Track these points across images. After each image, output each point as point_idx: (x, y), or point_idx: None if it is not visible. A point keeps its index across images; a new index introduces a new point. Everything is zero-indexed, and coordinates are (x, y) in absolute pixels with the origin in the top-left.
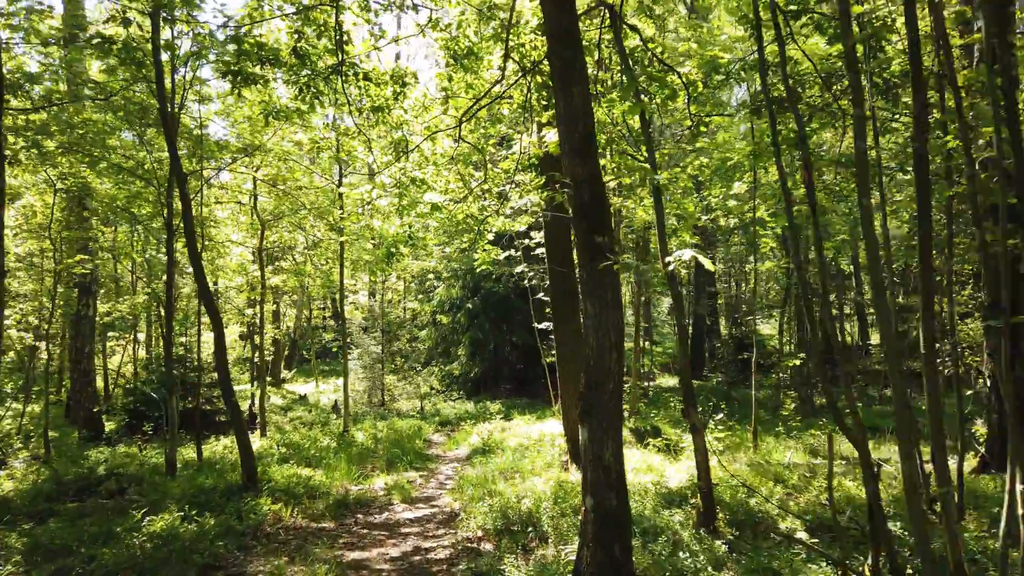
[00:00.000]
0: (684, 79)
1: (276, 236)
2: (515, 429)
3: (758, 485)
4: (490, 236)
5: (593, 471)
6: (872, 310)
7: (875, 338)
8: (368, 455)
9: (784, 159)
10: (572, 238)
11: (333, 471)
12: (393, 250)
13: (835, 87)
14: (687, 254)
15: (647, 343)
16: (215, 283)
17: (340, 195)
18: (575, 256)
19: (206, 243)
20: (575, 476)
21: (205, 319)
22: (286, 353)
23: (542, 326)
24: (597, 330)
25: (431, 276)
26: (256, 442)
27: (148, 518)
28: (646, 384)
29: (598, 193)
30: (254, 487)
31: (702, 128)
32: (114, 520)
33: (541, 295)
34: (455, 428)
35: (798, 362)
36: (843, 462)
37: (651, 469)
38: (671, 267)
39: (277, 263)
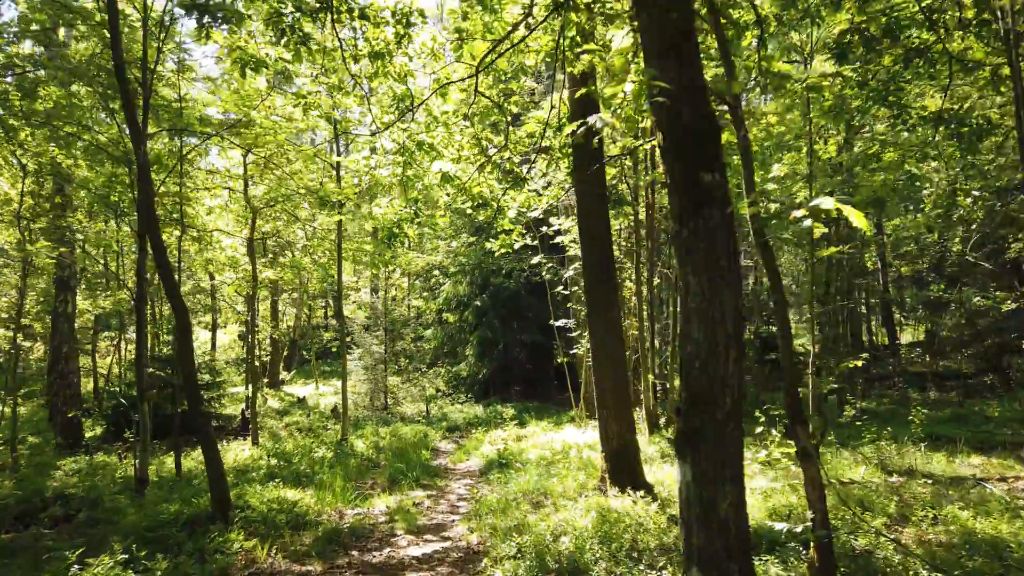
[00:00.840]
0: (758, 11)
1: (270, 226)
2: (533, 438)
3: (844, 513)
4: (511, 214)
5: (703, 530)
6: (897, 308)
7: (904, 336)
8: (368, 469)
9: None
10: (610, 209)
11: (326, 491)
12: (396, 231)
13: (939, 24)
14: (828, 202)
15: (658, 342)
16: (211, 277)
17: (338, 166)
18: (611, 234)
19: (188, 229)
20: (616, 502)
21: (207, 318)
22: (285, 353)
23: (559, 323)
24: (705, 316)
25: (437, 272)
26: (245, 451)
27: (86, 560)
28: (667, 385)
29: (702, 111)
30: (224, 517)
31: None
32: (45, 561)
33: (561, 288)
34: (464, 435)
35: (860, 363)
36: (927, 480)
37: None
38: (806, 223)
39: (275, 257)
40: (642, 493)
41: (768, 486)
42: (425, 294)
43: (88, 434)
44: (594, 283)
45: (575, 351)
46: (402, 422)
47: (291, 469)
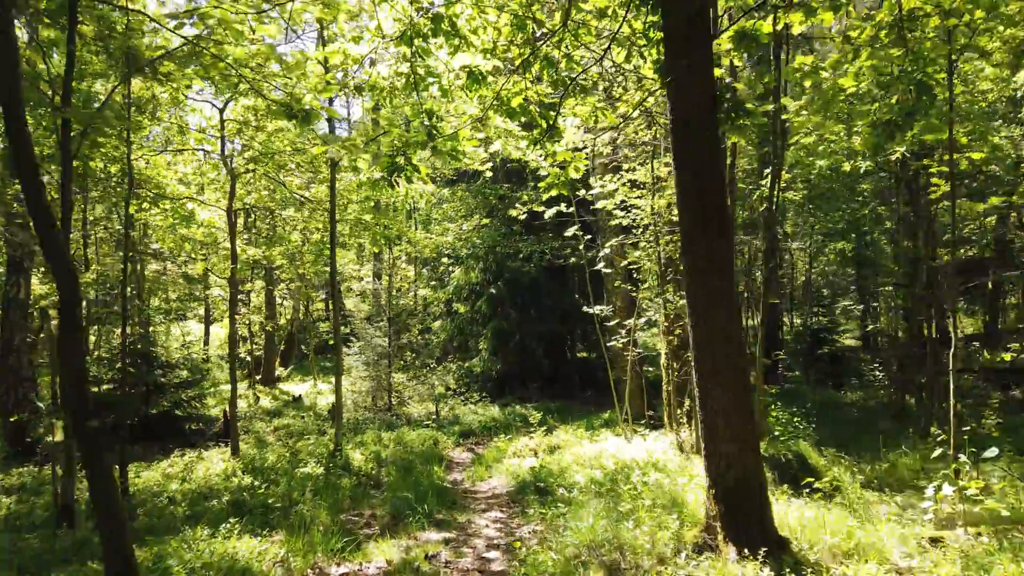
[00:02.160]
0: None
1: (254, 196)
2: (568, 448)
3: None
4: (570, 134)
5: None
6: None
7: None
8: (365, 492)
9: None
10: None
11: (301, 537)
12: (399, 160)
13: None
14: None
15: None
16: (204, 270)
17: (326, 61)
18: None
19: (147, 191)
20: (741, 570)
21: (200, 311)
22: (282, 348)
23: (597, 309)
24: None
25: (446, 259)
26: (220, 463)
27: None
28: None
29: None
30: None
31: None
32: None
33: (602, 266)
34: (481, 441)
35: (1008, 357)
36: None
37: (860, 547)
38: None
39: (267, 237)
40: (778, 555)
41: (964, 542)
42: (433, 283)
43: (50, 438)
44: (696, 233)
45: (612, 343)
46: (408, 425)
47: (261, 497)
